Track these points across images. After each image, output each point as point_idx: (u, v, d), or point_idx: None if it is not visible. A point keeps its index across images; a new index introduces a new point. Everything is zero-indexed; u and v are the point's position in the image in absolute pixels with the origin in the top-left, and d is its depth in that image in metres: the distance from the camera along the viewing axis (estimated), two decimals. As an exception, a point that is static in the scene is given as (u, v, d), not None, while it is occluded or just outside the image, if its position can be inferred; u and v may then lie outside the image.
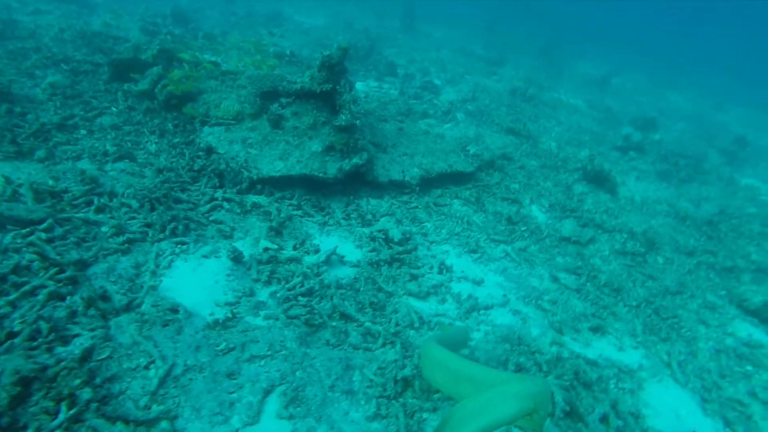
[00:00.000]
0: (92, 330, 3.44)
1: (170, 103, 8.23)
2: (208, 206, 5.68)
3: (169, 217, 4.94)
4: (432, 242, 6.35)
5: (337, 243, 5.78)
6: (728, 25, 57.33)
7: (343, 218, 6.52)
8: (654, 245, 7.61)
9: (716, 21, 58.39)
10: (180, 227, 5.00)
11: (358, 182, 7.27)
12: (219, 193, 5.92)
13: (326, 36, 19.03)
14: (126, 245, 4.59)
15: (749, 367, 5.61)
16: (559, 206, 8.17)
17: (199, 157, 6.72)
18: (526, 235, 7.07)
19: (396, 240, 5.84)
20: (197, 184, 6.08)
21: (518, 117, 12.94)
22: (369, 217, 6.53)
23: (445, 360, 3.28)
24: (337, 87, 7.10)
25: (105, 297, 3.79)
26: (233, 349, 3.87)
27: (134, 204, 5.07)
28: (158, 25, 14.28)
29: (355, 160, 6.91)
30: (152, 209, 5.05)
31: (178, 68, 10.42)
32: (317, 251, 5.41)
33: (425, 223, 6.72)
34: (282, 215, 5.78)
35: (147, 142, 7.10)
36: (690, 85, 27.71)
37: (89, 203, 4.97)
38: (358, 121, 6.97)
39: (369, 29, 21.34)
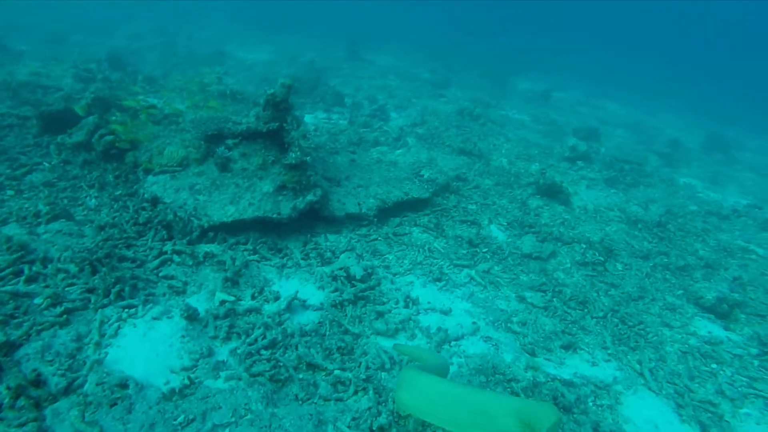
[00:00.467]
0: (22, 425, 3.05)
1: (110, 153, 7.84)
2: (157, 261, 5.33)
3: (113, 279, 4.58)
4: (395, 274, 6.22)
5: (298, 286, 5.55)
6: (657, 37, 61.75)
7: (302, 258, 6.30)
8: (612, 252, 7.78)
9: (645, 33, 62.75)
10: (126, 289, 4.64)
11: (314, 219, 7.10)
12: (168, 246, 5.59)
13: (271, 71, 18.97)
14: (64, 316, 4.20)
15: (714, 365, 5.73)
16: (517, 223, 8.26)
17: (144, 209, 6.36)
18: (488, 257, 7.07)
19: (358, 277, 5.67)
20: (143, 239, 5.72)
21: (468, 137, 13.18)
22: (328, 255, 6.34)
23: (438, 386, 3.06)
24: (284, 125, 6.96)
25: (39, 381, 3.40)
26: (193, 420, 3.55)
27: (73, 268, 4.68)
28: (93, 71, 13.75)
29: (309, 197, 6.74)
30: (94, 272, 4.67)
31: (117, 116, 10.04)
32: (277, 298, 5.16)
33: (387, 255, 6.59)
34: (237, 263, 5.50)
35: (86, 197, 6.69)
36: (624, 94, 29.33)
37: (18, 273, 4.55)
38: (308, 158, 6.83)
39: (314, 61, 21.44)
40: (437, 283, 6.15)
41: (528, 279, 6.70)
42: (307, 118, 12.34)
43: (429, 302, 5.64)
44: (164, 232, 5.84)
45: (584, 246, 7.91)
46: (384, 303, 5.46)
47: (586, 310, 6.13)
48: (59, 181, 6.90)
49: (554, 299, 6.26)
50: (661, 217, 9.65)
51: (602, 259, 7.52)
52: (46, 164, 7.40)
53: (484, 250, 7.19)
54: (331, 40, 27.92)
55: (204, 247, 5.86)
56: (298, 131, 7.00)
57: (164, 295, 4.89)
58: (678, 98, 31.11)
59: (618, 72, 36.70)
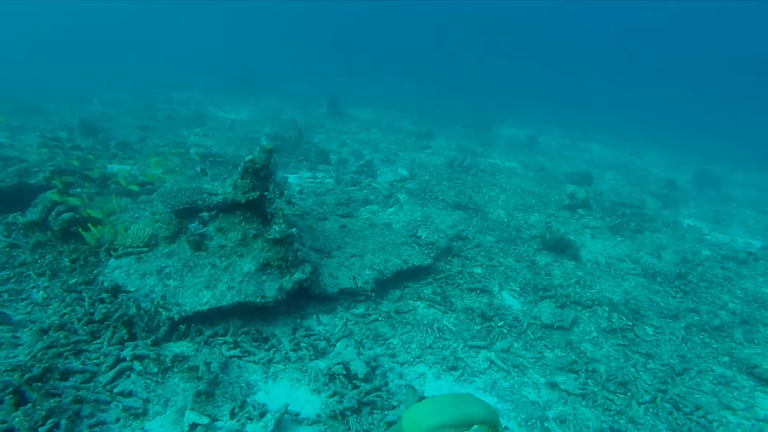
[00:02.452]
0: None
1: (69, 232, 6.92)
2: (112, 372, 4.32)
3: (44, 413, 3.54)
4: (403, 364, 5.27)
5: (288, 392, 4.56)
6: (626, 75, 64.20)
7: (292, 350, 5.33)
8: (639, 315, 6.96)
9: (619, 71, 65.24)
10: (63, 423, 3.61)
11: (303, 297, 6.19)
12: (127, 351, 4.58)
13: (252, 130, 18.46)
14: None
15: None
16: (530, 287, 7.44)
17: (102, 301, 5.39)
18: (505, 332, 6.17)
19: (361, 375, 4.71)
20: (97, 342, 4.71)
21: (461, 189, 12.58)
22: (323, 344, 5.38)
23: None
24: (266, 193, 6.17)
25: None
26: None
27: (-8, 400, 3.65)
28: (61, 139, 12.98)
29: (297, 275, 5.85)
30: (18, 404, 3.63)
31: (85, 186, 9.18)
32: (263, 413, 4.15)
33: (390, 340, 5.66)
34: (213, 367, 4.51)
35: (33, 288, 5.69)
36: (604, 135, 29.62)
37: None
38: (294, 229, 6.00)
39: (295, 119, 21.13)
40: (453, 372, 5.20)
41: (554, 356, 5.79)
42: (291, 179, 11.63)
43: (448, 402, 4.66)
44: (124, 330, 4.84)
45: (607, 309, 7.08)
46: (394, 407, 4.48)
47: (629, 394, 5.21)
48: (1, 271, 5.92)
49: (589, 381, 5.34)
50: (678, 267, 8.93)
51: (630, 323, 6.68)
52: (-8, 250, 6.43)
53: (500, 323, 6.30)
54: (310, 98, 27.87)
55: (173, 347, 4.87)
56: (282, 200, 6.21)
57: (117, 421, 3.86)
58: (655, 135, 31.51)
59: (592, 112, 37.39)
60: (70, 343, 4.52)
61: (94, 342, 4.67)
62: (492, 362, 5.47)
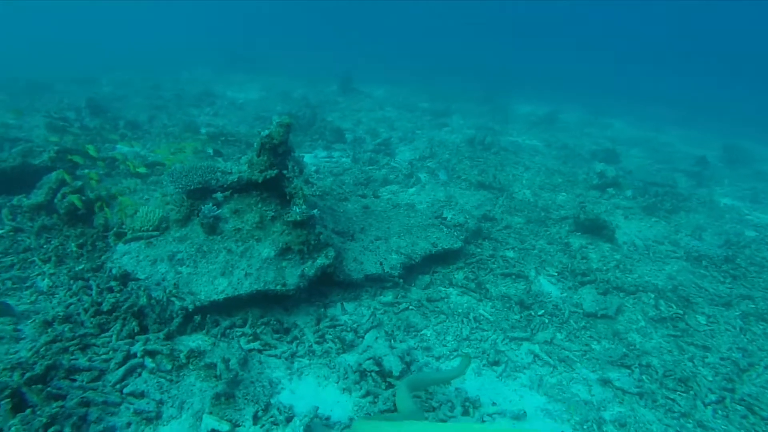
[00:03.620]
0: None
1: (75, 215, 6.50)
2: (122, 370, 3.90)
3: (45, 419, 3.12)
4: (439, 358, 4.80)
5: (315, 391, 4.12)
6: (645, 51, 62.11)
7: (317, 342, 4.88)
8: (688, 302, 6.40)
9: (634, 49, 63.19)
10: (67, 430, 3.19)
11: (326, 284, 5.72)
12: (138, 346, 4.16)
13: (264, 108, 17.91)
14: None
15: None
16: (568, 272, 6.90)
17: (110, 289, 4.96)
18: (546, 321, 5.67)
19: (396, 373, 4.24)
20: (106, 335, 4.29)
21: (484, 168, 11.96)
22: (350, 335, 4.92)
23: None
24: (284, 171, 5.66)
25: None
26: None
27: (-12, 404, 3.24)
28: (69, 119, 12.54)
29: (320, 260, 5.37)
30: (17, 408, 3.21)
31: (90, 168, 8.74)
32: (290, 417, 3.71)
33: (423, 331, 5.18)
34: (233, 364, 4.07)
35: (38, 276, 5.29)
36: (624, 110, 28.53)
37: None
38: (316, 210, 5.50)
39: (307, 96, 20.49)
40: (495, 368, 4.72)
41: (602, 349, 5.28)
42: (307, 158, 11.10)
43: (493, 402, 4.19)
44: (135, 322, 4.41)
45: (653, 295, 6.53)
46: (434, 408, 4.01)
47: (692, 393, 4.69)
48: (5, 257, 5.52)
49: (644, 377, 4.83)
50: (724, 249, 8.32)
51: (680, 312, 6.13)
52: (-5, 234, 6.03)
53: (540, 312, 5.79)
54: (320, 76, 27.12)
55: (188, 341, 4.44)
56: (301, 179, 5.70)
57: (128, 425, 3.44)
58: (675, 112, 30.27)
59: (610, 91, 36.09)
60: (76, 337, 4.10)
61: (102, 335, 4.25)
62: (536, 356, 4.97)
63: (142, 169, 8.56)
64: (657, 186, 12.69)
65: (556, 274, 6.82)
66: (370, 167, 11.13)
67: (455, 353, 4.88)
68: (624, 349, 5.22)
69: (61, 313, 4.33)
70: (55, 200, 6.65)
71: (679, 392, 4.64)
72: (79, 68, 24.85)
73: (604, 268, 7.34)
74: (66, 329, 4.14)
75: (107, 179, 8.19)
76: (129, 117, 14.62)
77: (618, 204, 11.10)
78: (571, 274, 6.88)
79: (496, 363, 4.76)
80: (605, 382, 4.68)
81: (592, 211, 8.63)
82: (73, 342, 4.03)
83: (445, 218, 8.18)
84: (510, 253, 7.33)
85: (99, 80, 23.08)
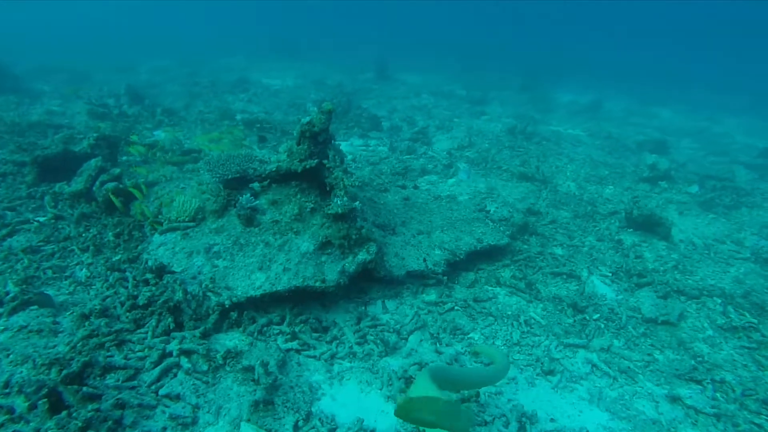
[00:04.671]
0: None
1: (113, 204, 6.42)
2: (158, 370, 3.73)
3: (80, 424, 2.96)
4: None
5: (357, 398, 3.86)
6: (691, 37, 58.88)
7: (357, 342, 4.62)
8: (762, 310, 5.82)
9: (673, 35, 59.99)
10: (102, 435, 3.03)
11: (365, 279, 5.45)
12: (174, 344, 3.98)
13: (298, 96, 17.72)
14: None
15: None
16: (623, 272, 6.41)
17: (146, 282, 4.83)
18: (602, 326, 5.23)
19: (444, 381, 3.92)
20: (141, 331, 4.15)
21: (526, 159, 11.42)
22: (393, 337, 4.64)
23: None
24: (325, 161, 5.39)
25: None
26: None
27: (20, 404, 3.10)
28: (109, 106, 12.68)
29: (362, 256, 5.10)
30: (54, 409, 3.07)
31: (127, 155, 8.73)
32: (333, 430, 3.46)
33: (471, 334, 4.85)
34: (271, 367, 3.85)
35: (76, 265, 5.21)
36: (674, 99, 27.04)
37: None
38: (357, 203, 5.21)
39: (342, 84, 20.20)
40: (549, 378, 4.35)
41: (667, 360, 4.82)
42: (343, 146, 10.78)
43: (551, 418, 3.84)
44: (170, 318, 4.25)
45: (719, 301, 5.98)
46: (486, 423, 3.69)
47: (775, 415, 4.21)
48: (46, 245, 5.47)
49: (719, 395, 4.37)
50: (796, 251, 7.60)
51: (754, 321, 5.57)
52: (36, 222, 6.01)
53: (595, 316, 5.36)
54: (355, 62, 26.77)
55: (224, 340, 4.25)
56: (342, 169, 5.42)
57: (164, 431, 3.26)
58: (731, 100, 28.45)
59: (656, 79, 34.28)
60: (112, 332, 3.96)
61: (138, 332, 4.10)
62: (594, 365, 4.57)
63: (175, 158, 8.49)
64: (713, 179, 11.85)
65: (610, 274, 6.34)
66: (408, 156, 10.78)
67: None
68: (692, 362, 4.75)
69: (98, 307, 4.21)
70: (94, 188, 6.60)
71: (764, 416, 4.15)
72: (119, 57, 25.32)
73: (662, 268, 6.80)
74: (102, 324, 4.01)
75: (144, 166, 8.15)
76: (166, 104, 14.71)
77: (671, 198, 10.40)
78: (626, 275, 6.39)
79: (551, 372, 4.39)
80: (674, 399, 4.25)
81: (646, 206, 8.04)
82: (109, 338, 3.90)
83: (488, 211, 7.78)
84: (558, 250, 6.88)
85: (137, 68, 23.44)
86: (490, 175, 10.30)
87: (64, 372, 3.37)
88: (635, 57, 44.20)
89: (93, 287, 4.72)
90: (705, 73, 39.10)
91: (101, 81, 19.31)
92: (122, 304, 4.38)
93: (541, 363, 4.48)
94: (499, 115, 17.58)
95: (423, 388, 2.84)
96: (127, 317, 4.21)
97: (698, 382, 4.49)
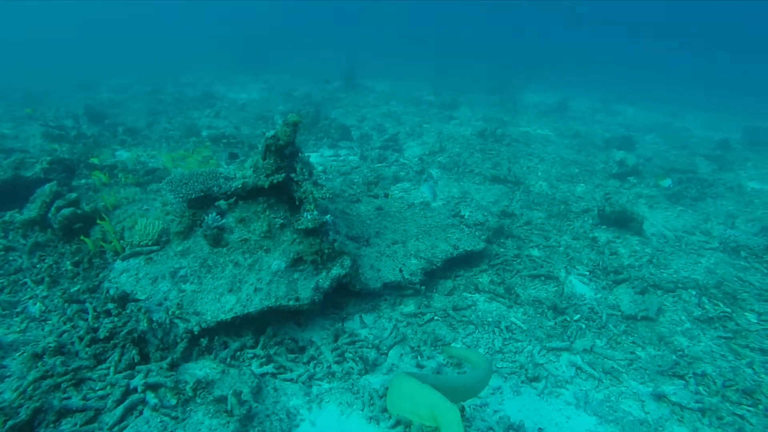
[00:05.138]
0: None
1: (72, 229, 6.08)
2: (121, 409, 3.46)
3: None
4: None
5: (338, 421, 3.67)
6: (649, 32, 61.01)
7: (336, 361, 4.44)
8: (734, 299, 5.89)
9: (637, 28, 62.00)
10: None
11: (341, 294, 5.28)
12: (138, 378, 3.72)
13: (266, 108, 17.43)
14: None
15: None
16: (600, 270, 6.41)
17: (108, 312, 4.54)
18: (583, 327, 5.19)
19: (428, 397, 3.78)
20: (102, 367, 3.86)
21: (497, 161, 11.45)
22: (372, 353, 4.47)
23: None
24: (293, 175, 5.21)
25: None
26: None
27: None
28: (66, 127, 12.15)
29: (335, 270, 4.92)
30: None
31: (86, 177, 8.35)
32: (312, 458, 3.27)
33: (452, 344, 4.72)
34: (245, 395, 3.63)
35: (29, 299, 4.87)
36: (637, 95, 27.80)
37: None
38: (328, 216, 5.05)
39: (310, 94, 20.03)
40: (534, 384, 4.25)
41: (649, 356, 4.80)
42: (313, 158, 10.64)
43: (539, 428, 3.73)
44: (134, 350, 3.98)
45: (694, 292, 6.03)
46: (473, 438, 3.56)
47: (761, 407, 4.20)
48: (-4, 280, 5.11)
49: (701, 389, 4.35)
50: (761, 237, 7.78)
51: (728, 310, 5.62)
52: (-15, 255, 5.62)
53: (576, 317, 5.32)
54: (322, 73, 26.59)
55: (194, 369, 4.00)
56: (311, 182, 5.24)
57: (130, 476, 3.01)
58: (689, 96, 29.48)
59: (618, 76, 35.26)
60: (69, 371, 3.67)
61: (99, 368, 3.82)
62: (578, 368, 4.50)
63: (138, 179, 8.16)
64: (678, 172, 12.16)
65: (587, 273, 6.34)
66: (380, 164, 10.66)
67: (489, 369, 4.40)
68: (674, 356, 4.73)
69: (53, 344, 3.91)
70: (49, 215, 6.24)
71: (746, 407, 4.15)
72: (77, 75, 24.54)
73: (637, 264, 6.84)
74: (58, 363, 3.71)
75: (105, 189, 7.79)
76: (128, 122, 14.25)
77: (640, 193, 10.58)
78: (603, 272, 6.39)
79: (536, 379, 4.30)
80: (659, 397, 4.20)
81: (618, 203, 8.12)
82: (65, 377, 3.61)
83: (463, 216, 7.71)
84: (535, 252, 6.85)
85: (98, 86, 22.74)
86: (462, 180, 10.28)
87: (10, 423, 3.08)
88: (600, 55, 45.51)
89: (48, 322, 4.40)
90: (668, 69, 40.47)
91: (59, 100, 18.62)
92: (81, 338, 4.09)
93: (525, 370, 4.38)
94: (468, 119, 17.68)
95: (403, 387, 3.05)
96: (86, 353, 3.93)
97: (681, 377, 4.47)
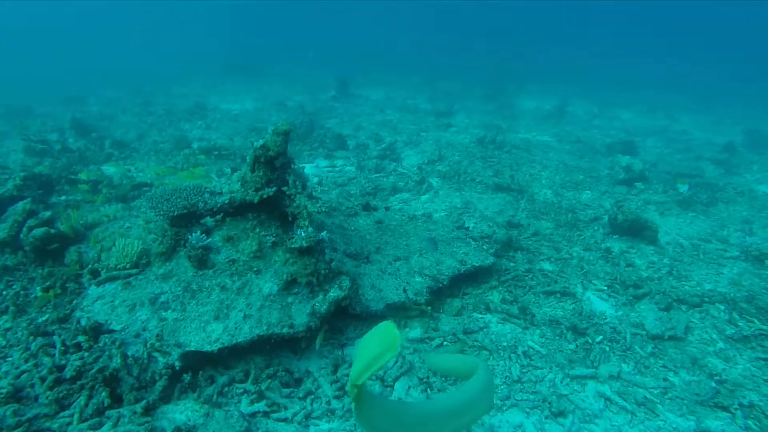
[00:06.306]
0: None
1: (46, 251, 5.58)
2: (85, 466, 2.95)
3: None
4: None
5: (340, 474, 3.17)
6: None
7: (336, 396, 3.95)
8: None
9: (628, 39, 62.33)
10: None
11: (340, 317, 4.79)
12: (106, 428, 3.21)
13: (259, 119, 17.03)
14: None
15: None
16: (618, 284, 5.95)
17: (78, 347, 4.02)
18: (606, 349, 4.72)
19: (442, 443, 3.28)
20: (66, 414, 3.35)
21: (498, 169, 11.04)
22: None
23: None
24: (284, 188, 4.73)
25: None
26: None
27: None
28: (49, 141, 11.66)
29: (334, 293, 4.44)
30: None
31: (66, 194, 7.86)
32: None
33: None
34: (229, 446, 3.12)
35: (-8, 333, 4.35)
36: (629, 100, 27.58)
37: None
38: (324, 233, 4.57)
39: (303, 104, 19.62)
40: (560, 420, 3.76)
41: (684, 383, 4.32)
42: (308, 169, 10.19)
43: (572, 476, 3.24)
44: (105, 393, 3.47)
45: (722, 307, 5.57)
46: (497, 492, 3.06)
47: (815, 440, 3.73)
48: (-46, 310, 4.59)
49: (752, 424, 3.87)
50: (783, 246, 7.36)
51: (765, 327, 5.16)
52: (-53, 281, 5.10)
53: (598, 339, 4.84)
54: (315, 82, 26.27)
55: (174, 413, 3.49)
56: (304, 195, 4.77)
57: None
58: (683, 99, 29.31)
59: (611, 81, 35.13)
60: (23, 423, 3.15)
61: (60, 415, 3.30)
62: (607, 399, 4.02)
63: (113, 193, 7.66)
64: (684, 177, 11.76)
65: (605, 288, 5.87)
66: (377, 175, 10.22)
67: (508, 402, 3.92)
68: (712, 383, 4.26)
69: (6, 388, 3.39)
70: (21, 235, 5.74)
71: (800, 441, 3.67)
72: (65, 89, 24.05)
73: (656, 276, 6.39)
74: (9, 412, 3.20)
75: (86, 206, 7.29)
76: (117, 136, 13.78)
77: (648, 199, 10.17)
78: (621, 287, 5.93)
79: (562, 414, 3.81)
80: (702, 433, 3.72)
81: (630, 211, 7.69)
82: (18, 431, 3.09)
83: (468, 228, 7.26)
84: (547, 266, 6.39)
85: (86, 100, 22.26)
86: (464, 189, 9.84)
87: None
88: (588, 62, 45.42)
89: (7, 360, 3.88)
90: (650, 76, 40.36)
91: (44, 115, 18.14)
92: (43, 379, 3.57)
93: (549, 403, 3.89)
94: (466, 126, 17.31)
95: None
96: (47, 397, 3.41)
97: (725, 409, 3.99)
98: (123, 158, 11.48)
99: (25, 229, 5.74)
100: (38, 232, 5.48)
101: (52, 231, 5.58)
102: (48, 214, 5.91)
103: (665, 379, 4.32)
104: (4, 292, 4.90)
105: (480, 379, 2.70)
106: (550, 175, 11.38)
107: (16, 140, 12.15)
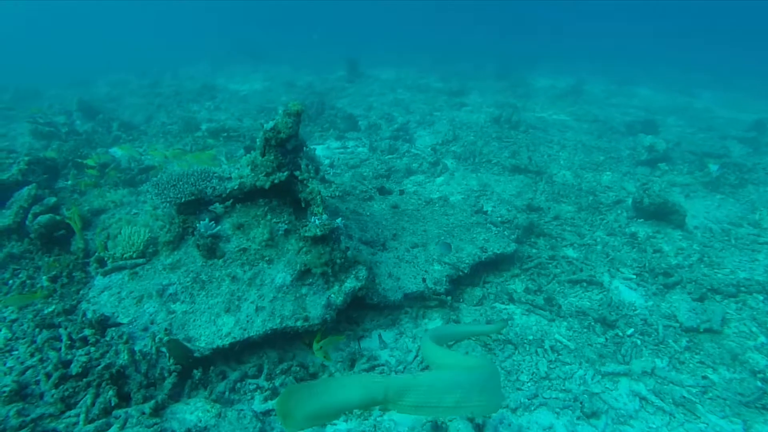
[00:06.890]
0: None
1: (51, 238, 5.41)
2: (91, 471, 2.78)
3: None
4: (516, 410, 3.61)
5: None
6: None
7: (353, 393, 3.72)
8: (809, 305, 5.12)
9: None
10: None
11: (356, 307, 4.57)
12: (113, 430, 3.03)
13: (269, 99, 16.69)
14: None
15: None
16: (647, 272, 5.65)
17: (84, 340, 3.85)
18: (638, 342, 4.45)
19: (469, 447, 3.07)
20: (72, 413, 3.18)
21: (515, 150, 10.65)
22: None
23: None
24: (296, 173, 4.47)
25: None
26: None
27: None
28: (56, 124, 11.47)
29: (350, 283, 4.21)
30: None
31: (73, 178, 7.67)
32: None
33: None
34: (243, 450, 2.93)
35: (-3, 324, 4.20)
36: (645, 77, 26.69)
37: None
38: (339, 219, 4.32)
39: (313, 84, 19.22)
40: (593, 421, 3.52)
41: (724, 382, 4.05)
42: (319, 150, 9.89)
43: (610, 485, 3.01)
44: (112, 390, 3.29)
45: (761, 297, 5.26)
46: (530, 502, 2.85)
47: None
48: (-41, 302, 4.44)
49: (798, 424, 3.60)
50: (820, 230, 6.98)
51: (806, 319, 4.85)
52: (-48, 270, 4.96)
53: (629, 331, 4.57)
54: (325, 62, 25.76)
55: (184, 412, 3.30)
56: (317, 180, 4.50)
57: None
58: (703, 73, 28.31)
59: (625, 57, 34.00)
60: (27, 423, 2.99)
61: (66, 415, 3.13)
62: (642, 398, 3.77)
63: (121, 177, 7.45)
64: (711, 157, 11.28)
65: (633, 276, 5.58)
66: (390, 156, 9.90)
67: (536, 401, 3.69)
68: (758, 382, 3.98)
69: (11, 386, 3.22)
70: (27, 221, 5.57)
71: None
72: (74, 72, 23.86)
73: (686, 263, 6.07)
74: (12, 413, 3.03)
75: (92, 190, 7.10)
76: (125, 118, 13.54)
77: (673, 181, 9.76)
78: (650, 275, 5.63)
79: (594, 415, 3.57)
80: (749, 436, 3.47)
81: (657, 194, 7.32)
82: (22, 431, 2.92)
83: (486, 212, 6.96)
84: (571, 252, 6.09)
85: (95, 82, 22.06)
86: (480, 170, 9.51)
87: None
88: (600, 40, 44.06)
89: (12, 354, 3.73)
90: (665, 53, 38.99)
91: (53, 97, 17.96)
92: (48, 375, 3.41)
93: (581, 402, 3.65)
94: (480, 105, 16.82)
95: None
96: (52, 395, 3.24)
97: (769, 409, 3.73)
98: (131, 140, 11.28)
99: (30, 215, 5.58)
100: (43, 218, 5.30)
101: (58, 218, 5.40)
102: (53, 200, 5.73)
103: (704, 377, 4.06)
104: (11, 281, 4.74)
105: (480, 370, 2.80)
106: (569, 155, 10.97)
107: (24, 123, 11.98)
